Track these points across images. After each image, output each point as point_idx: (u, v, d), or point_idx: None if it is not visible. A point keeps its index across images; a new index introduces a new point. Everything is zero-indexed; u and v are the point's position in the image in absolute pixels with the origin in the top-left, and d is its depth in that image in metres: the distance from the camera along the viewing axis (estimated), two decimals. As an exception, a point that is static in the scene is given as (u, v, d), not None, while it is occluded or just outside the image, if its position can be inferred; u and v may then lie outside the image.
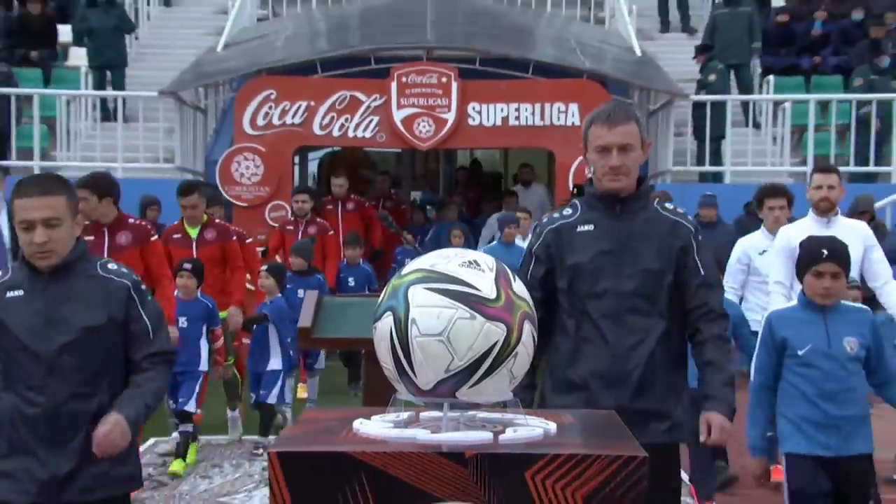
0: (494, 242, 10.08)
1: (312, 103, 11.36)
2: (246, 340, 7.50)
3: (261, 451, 7.38)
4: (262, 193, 11.13)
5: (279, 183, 11.26)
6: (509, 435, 2.09)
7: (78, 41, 13.72)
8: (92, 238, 5.23)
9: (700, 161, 12.04)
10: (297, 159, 13.49)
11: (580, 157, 10.52)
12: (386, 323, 2.09)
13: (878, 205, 9.96)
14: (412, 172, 16.34)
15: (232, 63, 12.61)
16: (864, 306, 4.21)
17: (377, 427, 2.16)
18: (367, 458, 1.99)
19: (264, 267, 7.17)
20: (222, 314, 6.76)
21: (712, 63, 12.29)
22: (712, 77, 12.04)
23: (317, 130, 11.39)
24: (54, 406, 2.96)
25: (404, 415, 2.27)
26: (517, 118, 11.29)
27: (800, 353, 3.57)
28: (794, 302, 4.09)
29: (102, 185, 5.56)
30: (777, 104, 12.47)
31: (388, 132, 11.38)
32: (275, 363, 6.99)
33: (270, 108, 11.42)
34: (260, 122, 11.33)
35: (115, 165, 11.42)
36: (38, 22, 13.39)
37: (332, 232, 9.48)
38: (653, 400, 3.00)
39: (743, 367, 5.25)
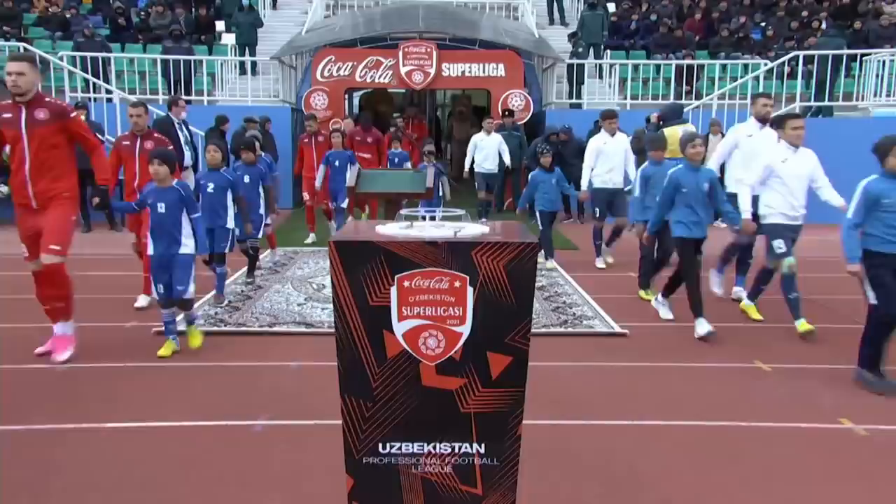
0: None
1: (355, 63, 14.57)
2: None
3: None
4: (327, 114, 14.10)
5: (336, 108, 14.42)
6: (462, 233, 2.68)
7: (228, 30, 17.33)
8: (10, 115, 4.98)
9: (570, 96, 15.50)
10: (346, 96, 16.13)
11: (505, 93, 14.48)
12: None
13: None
14: (411, 102, 19.81)
15: (310, 41, 15.52)
16: None
17: (390, 229, 2.74)
18: (383, 244, 2.55)
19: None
20: None
21: (580, 42, 16.30)
22: (580, 50, 16.09)
23: (357, 79, 14.72)
24: None
25: (405, 223, 2.85)
26: (470, 72, 14.55)
27: None
28: None
29: (33, 58, 5.08)
30: (611, 66, 16.04)
31: (397, 80, 14.50)
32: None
33: (331, 66, 14.49)
34: (326, 74, 14.54)
35: (248, 99, 14.46)
36: (205, 19, 17.42)
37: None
38: None
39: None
